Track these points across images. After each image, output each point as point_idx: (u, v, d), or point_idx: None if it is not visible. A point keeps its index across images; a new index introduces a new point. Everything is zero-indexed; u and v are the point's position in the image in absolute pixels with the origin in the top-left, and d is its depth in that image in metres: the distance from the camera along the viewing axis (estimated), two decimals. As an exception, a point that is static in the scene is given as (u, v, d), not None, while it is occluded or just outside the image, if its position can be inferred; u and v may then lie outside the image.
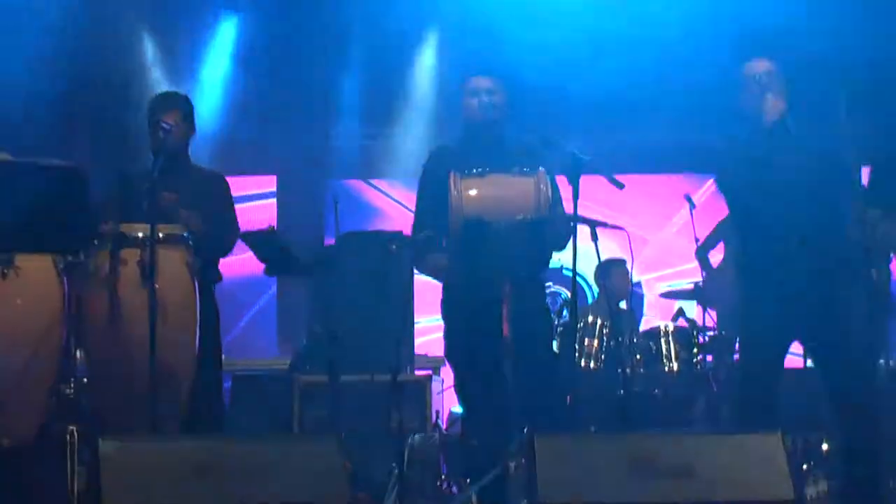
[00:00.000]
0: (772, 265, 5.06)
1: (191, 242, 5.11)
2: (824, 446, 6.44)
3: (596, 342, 7.41)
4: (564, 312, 7.16)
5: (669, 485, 4.09)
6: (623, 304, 8.07)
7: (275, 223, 8.96)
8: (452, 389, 5.67)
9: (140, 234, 4.91)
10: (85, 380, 5.30)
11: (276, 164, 10.14)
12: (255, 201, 9.86)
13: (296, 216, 10.03)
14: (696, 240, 7.57)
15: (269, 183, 10.34)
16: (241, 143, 9.42)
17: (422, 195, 5.36)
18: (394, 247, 5.39)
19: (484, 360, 4.90)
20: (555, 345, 5.90)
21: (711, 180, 9.58)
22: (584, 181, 4.93)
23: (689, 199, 7.53)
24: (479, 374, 5.03)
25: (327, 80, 9.69)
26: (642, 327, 8.01)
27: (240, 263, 7.06)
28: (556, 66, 8.49)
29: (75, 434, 4.93)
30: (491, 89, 5.24)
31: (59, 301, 4.92)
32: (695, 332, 7.34)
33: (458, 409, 6.61)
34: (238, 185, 5.86)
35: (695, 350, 7.30)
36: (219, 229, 5.44)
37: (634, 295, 8.40)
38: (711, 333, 7.34)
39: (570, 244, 4.95)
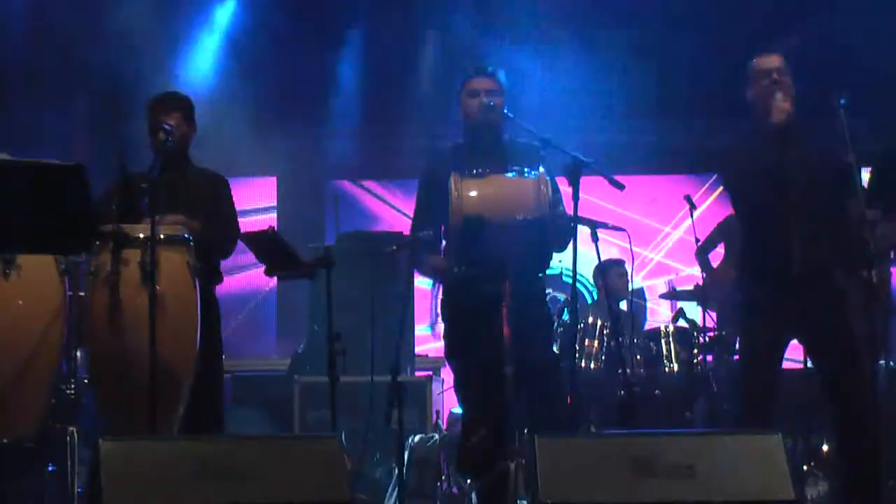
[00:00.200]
0: (773, 263, 5.06)
1: (191, 243, 5.12)
2: (824, 447, 6.46)
3: (596, 343, 7.41)
4: (565, 313, 7.17)
5: (669, 485, 4.09)
6: (623, 305, 8.07)
7: (275, 224, 8.96)
8: (452, 390, 5.67)
9: (141, 235, 4.91)
10: (85, 380, 5.31)
11: (276, 164, 10.14)
12: (256, 215, 9.85)
13: (295, 216, 10.03)
14: (697, 240, 7.57)
15: (269, 187, 10.36)
16: (241, 144, 9.41)
17: (421, 196, 5.36)
18: (393, 247, 5.38)
19: (484, 361, 4.90)
20: (555, 345, 5.90)
21: (709, 180, 9.67)
22: (590, 182, 4.95)
23: (688, 200, 7.53)
24: (478, 375, 5.03)
25: (327, 79, 9.71)
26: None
27: (239, 263, 7.10)
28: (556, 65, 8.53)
29: (75, 434, 4.94)
30: (491, 90, 5.24)
31: (59, 301, 4.93)
32: (695, 333, 7.34)
33: (458, 409, 6.61)
34: (239, 191, 5.85)
35: (695, 350, 7.31)
36: (219, 230, 5.44)
37: (636, 305, 8.40)
38: (711, 334, 7.34)
39: (570, 245, 4.96)
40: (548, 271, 5.25)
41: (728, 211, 7.99)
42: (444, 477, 6.17)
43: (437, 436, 6.54)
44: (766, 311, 5.07)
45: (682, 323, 7.49)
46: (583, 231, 4.96)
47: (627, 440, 4.34)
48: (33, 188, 3.79)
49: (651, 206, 10.06)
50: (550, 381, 5.11)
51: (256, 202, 10.12)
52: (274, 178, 10.39)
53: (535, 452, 4.13)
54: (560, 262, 5.42)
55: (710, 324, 7.42)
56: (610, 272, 7.85)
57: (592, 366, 7.35)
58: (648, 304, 9.10)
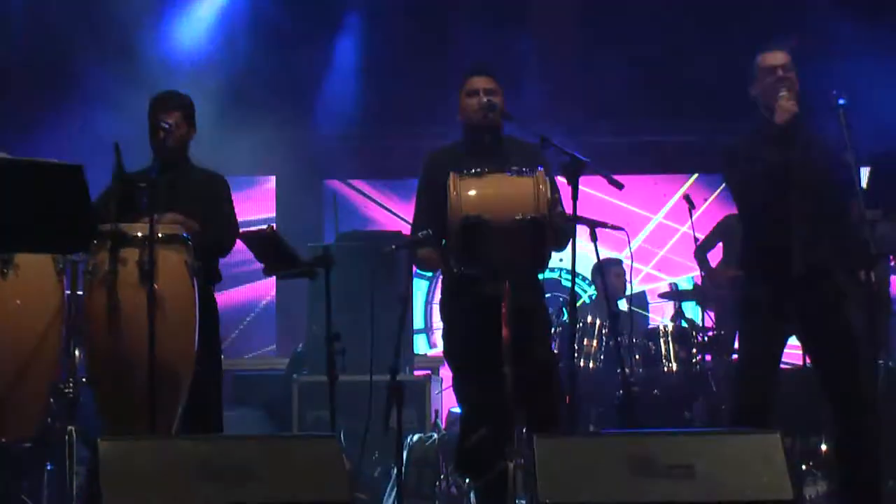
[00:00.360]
0: (774, 262, 5.06)
1: (190, 242, 5.11)
2: (823, 446, 6.46)
3: (595, 342, 7.42)
4: (563, 313, 7.17)
5: (669, 485, 4.09)
6: (623, 305, 8.07)
7: (273, 223, 8.96)
8: (451, 389, 5.67)
9: (139, 234, 4.90)
10: (83, 379, 5.30)
11: (275, 164, 10.14)
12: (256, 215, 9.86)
13: (294, 216, 10.02)
14: (696, 240, 7.57)
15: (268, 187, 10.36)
16: (240, 144, 9.41)
17: (421, 196, 5.36)
18: (393, 247, 5.38)
19: (483, 360, 4.89)
20: (554, 345, 5.90)
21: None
22: (590, 182, 4.94)
23: (688, 200, 7.53)
24: (477, 374, 5.03)
25: (326, 78, 9.72)
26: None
27: (239, 263, 7.09)
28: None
29: (74, 434, 4.93)
30: (490, 89, 5.23)
31: (58, 300, 4.92)
32: (694, 332, 7.34)
33: (456, 408, 6.61)
34: (239, 192, 5.85)
35: (694, 350, 7.31)
36: (218, 230, 5.44)
37: (637, 314, 8.40)
38: (710, 333, 7.34)
39: (569, 245, 4.95)
40: (547, 272, 5.25)
41: (727, 210, 8.01)
42: (442, 477, 6.17)
43: (435, 435, 6.54)
44: (766, 310, 5.07)
45: (680, 322, 7.50)
46: (582, 231, 4.96)
47: (626, 440, 4.34)
48: (32, 187, 3.78)
49: (651, 205, 10.06)
50: (549, 381, 5.11)
51: (256, 202, 10.12)
52: (273, 178, 10.39)
53: (535, 452, 4.13)
54: (561, 260, 5.42)
55: (708, 323, 7.42)
56: (608, 271, 7.85)
57: (591, 365, 7.36)
58: (651, 306, 9.09)
